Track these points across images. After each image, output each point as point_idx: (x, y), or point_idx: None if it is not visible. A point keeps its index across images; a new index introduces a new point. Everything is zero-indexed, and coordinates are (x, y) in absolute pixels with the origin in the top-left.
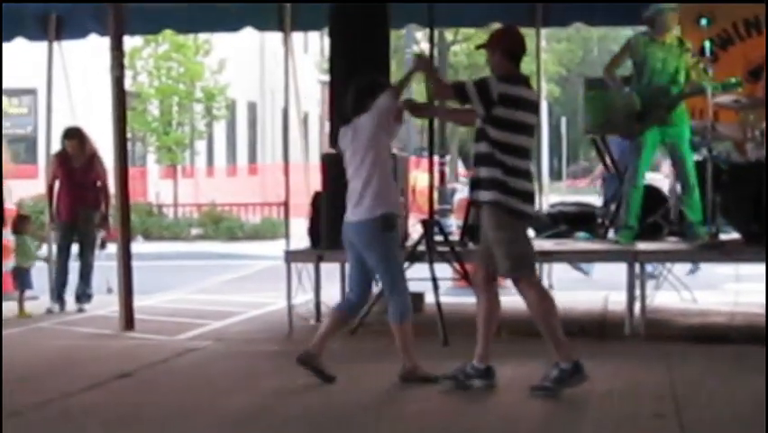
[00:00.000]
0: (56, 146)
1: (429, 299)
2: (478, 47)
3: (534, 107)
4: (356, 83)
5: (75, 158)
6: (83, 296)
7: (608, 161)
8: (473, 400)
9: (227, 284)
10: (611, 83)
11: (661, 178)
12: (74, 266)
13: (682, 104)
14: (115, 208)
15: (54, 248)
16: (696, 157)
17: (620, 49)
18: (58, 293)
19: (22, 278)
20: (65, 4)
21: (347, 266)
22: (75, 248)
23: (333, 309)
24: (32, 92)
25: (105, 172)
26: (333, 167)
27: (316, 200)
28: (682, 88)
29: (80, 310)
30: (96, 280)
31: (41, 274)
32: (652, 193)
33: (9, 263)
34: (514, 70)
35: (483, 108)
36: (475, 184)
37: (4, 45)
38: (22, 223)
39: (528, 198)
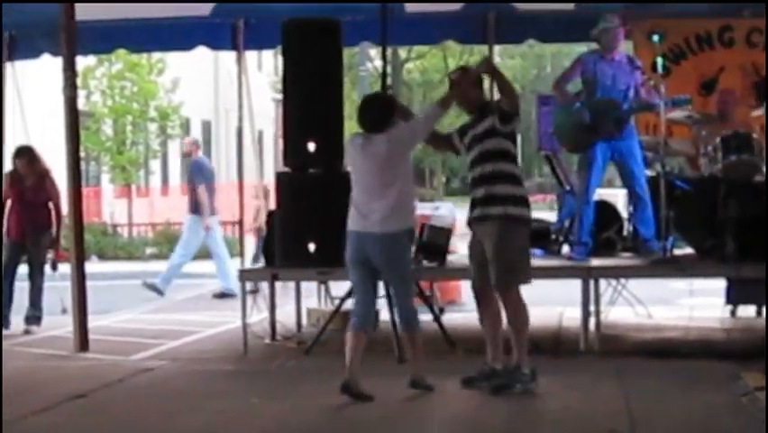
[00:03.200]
0: (8, 166)
1: (384, 316)
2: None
3: None
4: (378, 99)
5: (26, 177)
6: (32, 318)
7: (561, 176)
8: (426, 411)
9: (182, 303)
10: (560, 98)
11: (615, 193)
12: (23, 287)
13: (632, 119)
14: (69, 228)
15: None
16: (649, 173)
17: (570, 65)
18: (1, 314)
19: None
20: (17, 24)
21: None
22: (24, 269)
23: (349, 334)
24: None
25: (57, 192)
26: (287, 185)
27: (271, 219)
28: (632, 104)
29: (27, 332)
30: (47, 301)
31: None
32: (605, 209)
33: None
34: None
35: (501, 124)
36: (486, 201)
37: None
38: None
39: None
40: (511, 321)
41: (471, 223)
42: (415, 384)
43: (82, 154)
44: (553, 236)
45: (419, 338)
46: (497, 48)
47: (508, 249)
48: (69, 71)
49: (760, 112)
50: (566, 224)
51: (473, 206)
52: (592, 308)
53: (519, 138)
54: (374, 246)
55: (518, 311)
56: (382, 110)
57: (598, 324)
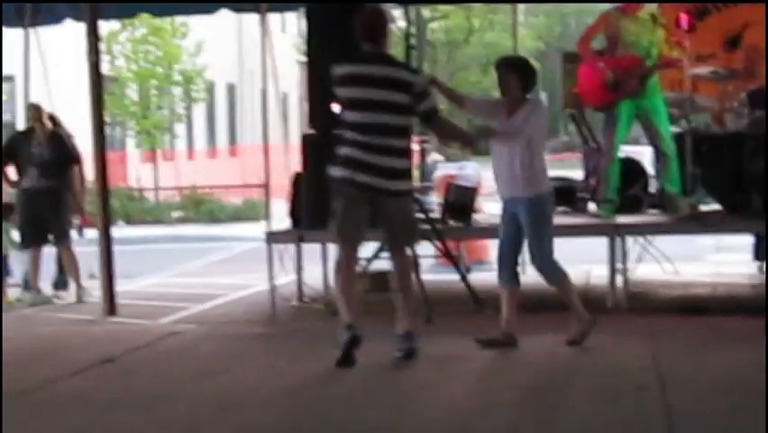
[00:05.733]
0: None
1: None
2: None
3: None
4: (523, 62)
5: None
6: (60, 283)
7: (586, 134)
8: (453, 372)
9: (209, 267)
10: (585, 56)
11: (641, 150)
12: (51, 252)
13: (655, 76)
14: (95, 193)
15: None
16: (675, 129)
17: (594, 22)
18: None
19: (2, 266)
20: None
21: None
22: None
23: (503, 289)
24: (9, 79)
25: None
26: (313, 147)
27: (297, 181)
28: (655, 61)
29: (56, 297)
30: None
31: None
32: (631, 166)
33: None
34: (362, 48)
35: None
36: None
37: None
38: (3, 210)
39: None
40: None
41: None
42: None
43: (107, 119)
44: (579, 194)
45: (568, 287)
46: (520, 6)
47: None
48: (93, 37)
49: None
50: (592, 182)
51: None
52: (619, 265)
53: (544, 96)
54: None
55: None
56: (526, 74)
57: (625, 281)
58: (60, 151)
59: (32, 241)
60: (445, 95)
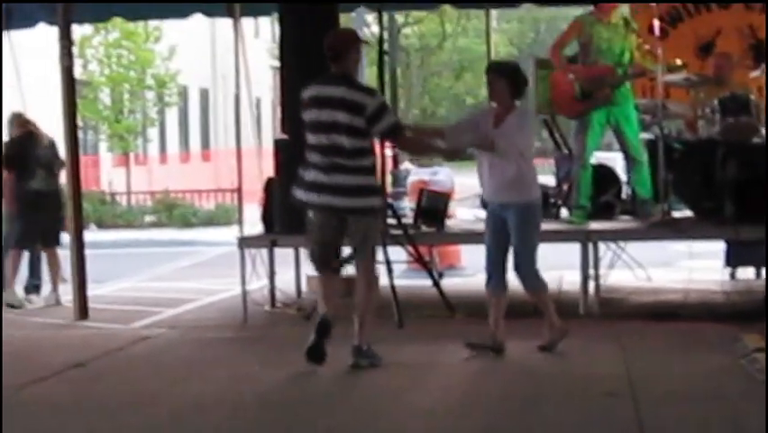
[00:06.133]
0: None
1: (383, 281)
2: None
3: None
4: (513, 68)
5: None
6: (31, 287)
7: (558, 140)
8: (423, 378)
9: (181, 271)
10: (557, 63)
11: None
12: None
13: (627, 83)
14: (68, 197)
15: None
16: (647, 135)
17: (566, 28)
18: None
19: None
20: None
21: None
22: None
23: (491, 296)
24: None
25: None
26: (285, 152)
27: (269, 186)
28: (626, 69)
29: (28, 301)
30: (47, 270)
31: None
32: (603, 172)
33: None
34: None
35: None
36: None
37: None
38: None
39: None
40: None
41: None
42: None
43: (80, 123)
44: (552, 200)
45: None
46: (493, 12)
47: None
48: (65, 40)
49: (757, 73)
50: (564, 188)
51: None
52: (592, 271)
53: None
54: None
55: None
56: (516, 80)
57: (597, 287)
58: (57, 154)
59: (32, 242)
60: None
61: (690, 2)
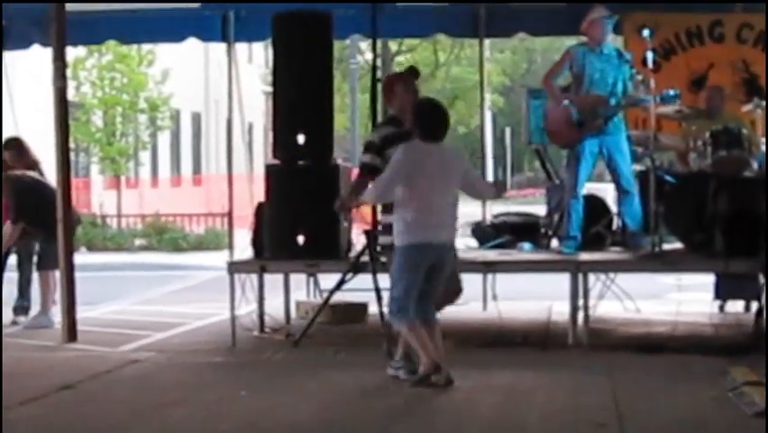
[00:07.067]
0: None
1: (372, 309)
2: None
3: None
4: (443, 109)
5: (14, 168)
6: (20, 308)
7: (550, 170)
8: (413, 407)
9: (171, 295)
10: (549, 92)
11: (604, 187)
12: (11, 278)
13: (620, 114)
14: (58, 219)
15: None
16: (638, 167)
17: (559, 58)
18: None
19: None
20: (7, 14)
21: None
22: (13, 260)
23: (411, 326)
24: None
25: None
26: (276, 178)
27: (260, 211)
28: (620, 99)
29: (14, 323)
30: (36, 292)
31: None
32: (594, 203)
33: None
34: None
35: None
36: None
37: None
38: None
39: None
40: None
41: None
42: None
43: (72, 145)
44: (543, 230)
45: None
46: (487, 41)
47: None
48: (59, 62)
49: (750, 107)
50: (555, 218)
51: None
52: (581, 302)
53: (509, 131)
54: (442, 253)
55: None
56: (448, 119)
57: (586, 318)
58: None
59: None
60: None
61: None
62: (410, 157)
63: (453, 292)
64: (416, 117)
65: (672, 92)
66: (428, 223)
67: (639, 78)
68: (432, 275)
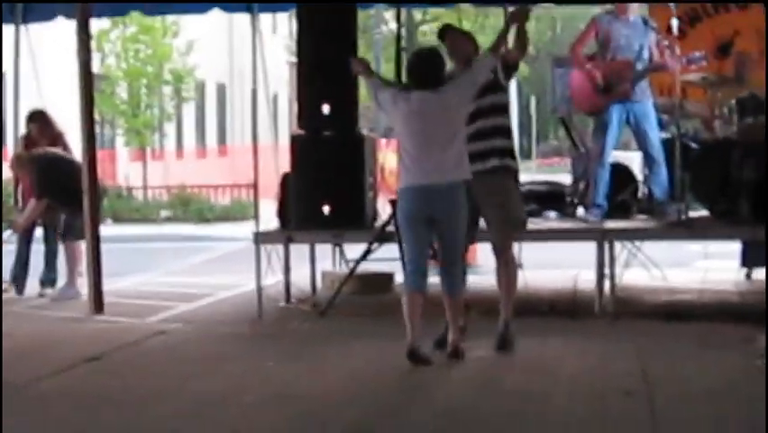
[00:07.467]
0: (23, 130)
1: (399, 279)
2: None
3: None
4: (435, 57)
5: (39, 141)
6: (47, 281)
7: (576, 138)
8: (442, 376)
9: (197, 266)
10: (576, 62)
11: (631, 156)
12: (38, 250)
13: (646, 80)
14: (84, 191)
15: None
16: (664, 135)
17: (585, 28)
18: (16, 276)
19: None
20: None
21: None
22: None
23: (406, 296)
24: None
25: (71, 154)
26: (302, 148)
27: (285, 181)
28: (646, 64)
29: (41, 296)
30: (63, 263)
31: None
32: (620, 171)
33: None
34: None
35: (505, 78)
36: (486, 154)
37: None
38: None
39: None
40: (510, 278)
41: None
42: (455, 353)
43: (97, 118)
44: (568, 199)
45: (461, 303)
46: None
47: (514, 204)
48: (83, 34)
49: None
50: (581, 186)
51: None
52: (607, 270)
53: (534, 100)
54: (441, 199)
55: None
56: (441, 67)
57: (613, 286)
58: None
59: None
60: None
61: (709, 2)
62: (401, 108)
63: (511, 223)
64: (408, 70)
65: (697, 54)
66: (424, 169)
67: (665, 43)
68: (435, 228)
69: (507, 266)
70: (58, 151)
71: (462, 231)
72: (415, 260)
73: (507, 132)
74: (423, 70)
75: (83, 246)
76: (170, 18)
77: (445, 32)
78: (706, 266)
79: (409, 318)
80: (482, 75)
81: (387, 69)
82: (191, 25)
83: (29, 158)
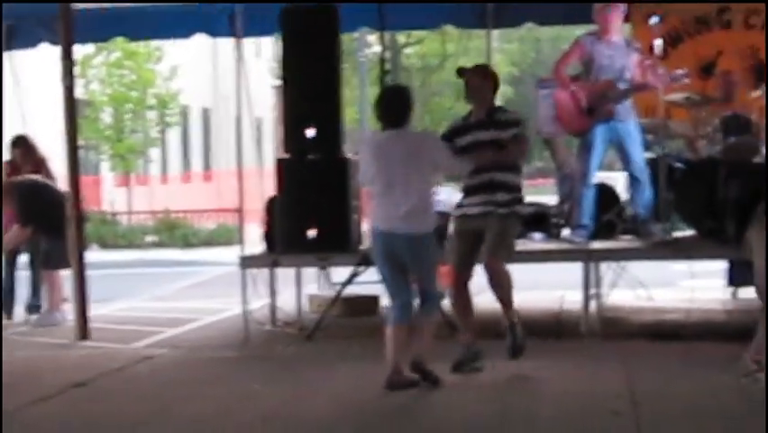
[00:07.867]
0: (6, 156)
1: (385, 301)
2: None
3: None
4: (402, 93)
5: (23, 166)
6: (33, 307)
7: (559, 159)
8: (427, 398)
9: (182, 291)
10: (559, 82)
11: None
12: (24, 277)
13: (629, 101)
14: (69, 217)
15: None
16: (649, 155)
17: (568, 48)
18: (3, 302)
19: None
20: (15, 13)
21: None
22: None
23: (390, 329)
24: None
25: (55, 180)
26: (287, 171)
27: (271, 205)
28: (628, 84)
29: (27, 321)
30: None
31: None
32: (604, 191)
33: None
34: None
35: None
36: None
37: None
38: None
39: None
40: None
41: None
42: (416, 367)
43: (81, 143)
44: (553, 220)
45: (433, 323)
46: (495, 32)
47: (511, 240)
48: (67, 60)
49: (759, 93)
50: (566, 207)
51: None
52: (593, 291)
53: None
54: (404, 246)
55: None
56: (408, 104)
57: (599, 307)
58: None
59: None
60: None
61: (714, 1)
62: (368, 147)
63: (505, 250)
64: (374, 107)
65: (680, 71)
66: (388, 213)
67: (648, 62)
68: (401, 268)
69: (498, 274)
70: (39, 178)
71: (433, 266)
72: (395, 294)
73: (517, 168)
74: (385, 109)
75: (62, 274)
76: (154, 44)
77: (462, 73)
78: (692, 285)
79: (392, 351)
80: (451, 166)
81: (372, 92)
82: (175, 50)
83: (10, 186)
